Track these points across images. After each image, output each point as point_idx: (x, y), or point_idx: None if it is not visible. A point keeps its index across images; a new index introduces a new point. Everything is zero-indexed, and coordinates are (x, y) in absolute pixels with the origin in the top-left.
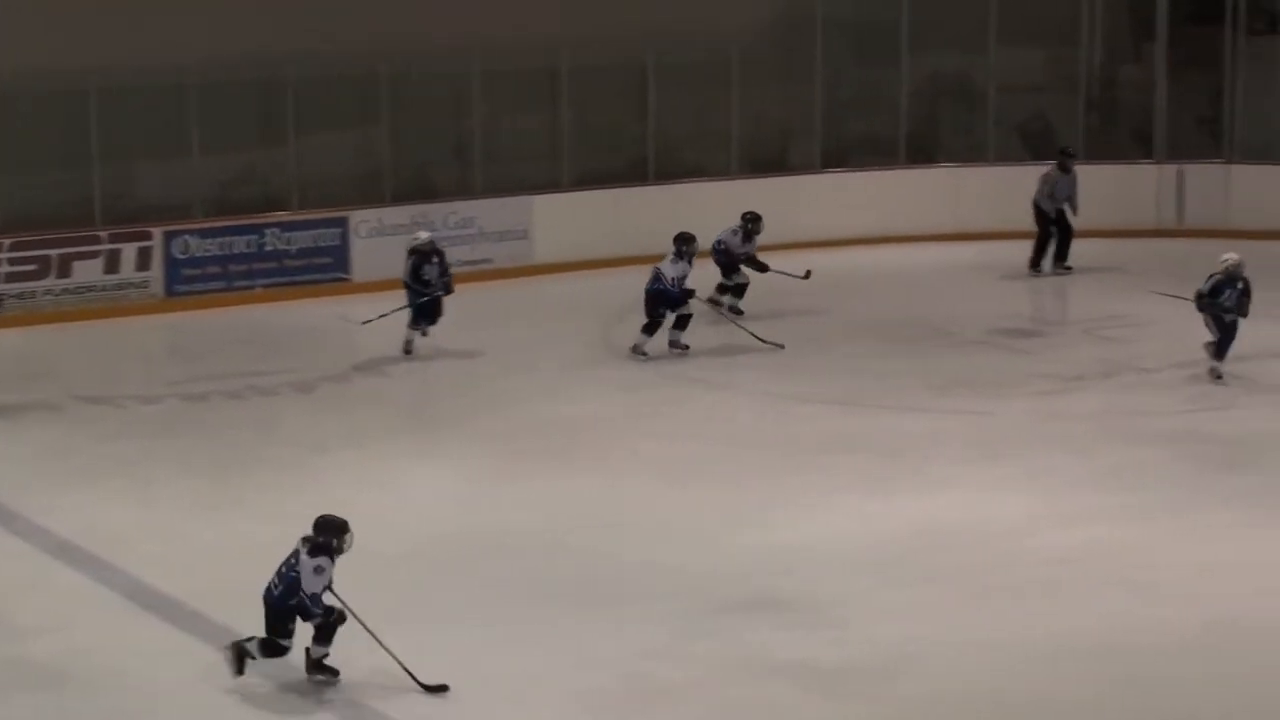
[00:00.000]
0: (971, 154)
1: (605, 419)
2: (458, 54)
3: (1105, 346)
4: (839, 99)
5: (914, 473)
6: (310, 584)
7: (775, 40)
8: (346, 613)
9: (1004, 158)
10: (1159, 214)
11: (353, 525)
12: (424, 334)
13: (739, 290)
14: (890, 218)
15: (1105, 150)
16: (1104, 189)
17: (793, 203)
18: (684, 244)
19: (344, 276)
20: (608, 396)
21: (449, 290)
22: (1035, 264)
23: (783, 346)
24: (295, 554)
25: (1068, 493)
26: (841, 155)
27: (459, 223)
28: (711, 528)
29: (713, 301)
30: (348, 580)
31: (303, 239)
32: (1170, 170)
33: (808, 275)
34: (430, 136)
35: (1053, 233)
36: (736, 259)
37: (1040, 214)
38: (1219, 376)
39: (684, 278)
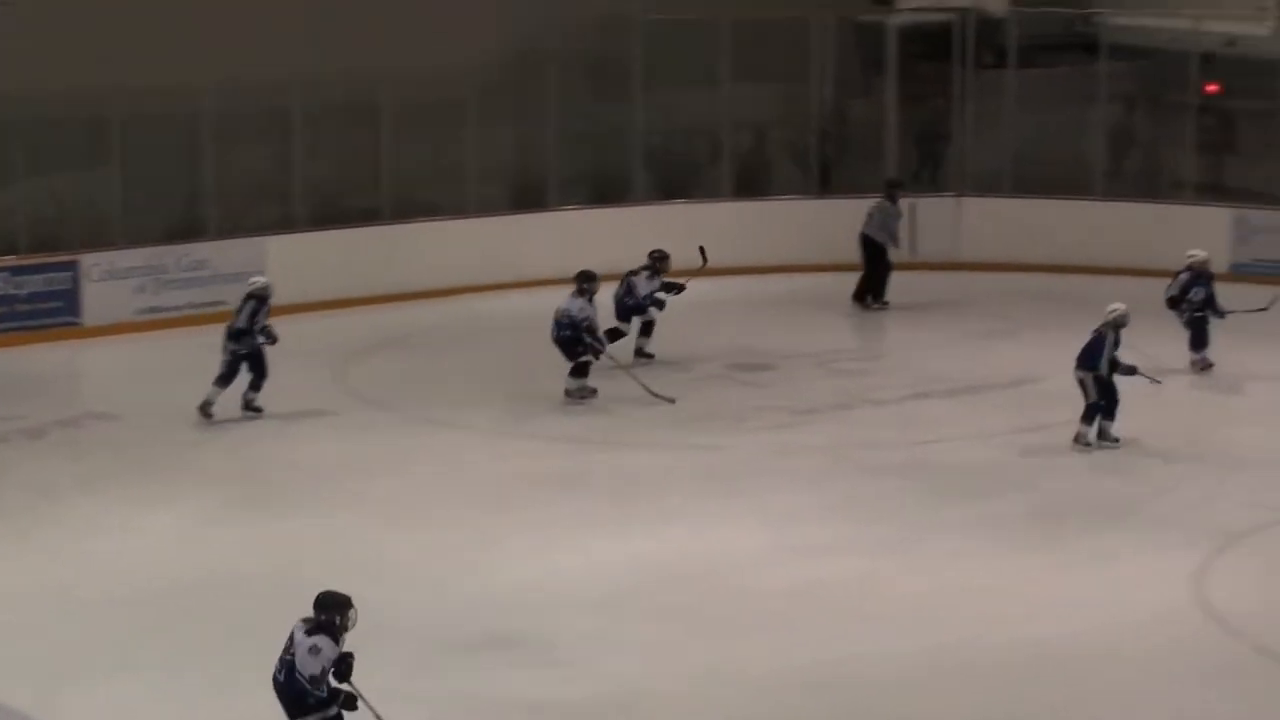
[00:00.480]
0: (707, 190)
1: (338, 461)
2: (189, 95)
3: (838, 379)
4: (574, 136)
5: (646, 509)
6: (307, 665)
7: (510, 78)
8: (357, 698)
9: (736, 193)
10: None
11: (82, 571)
12: (255, 406)
13: (647, 328)
14: (629, 254)
15: (838, 185)
16: (837, 223)
17: (532, 240)
18: (585, 281)
19: (75, 321)
20: (340, 438)
21: (273, 340)
22: (862, 297)
23: (673, 401)
24: (291, 635)
25: (799, 526)
26: (577, 192)
27: (191, 265)
28: (442, 568)
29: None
30: (78, 628)
31: (33, 283)
32: (902, 204)
33: (681, 290)
34: (162, 178)
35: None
36: (640, 302)
37: (869, 246)
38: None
39: (585, 316)
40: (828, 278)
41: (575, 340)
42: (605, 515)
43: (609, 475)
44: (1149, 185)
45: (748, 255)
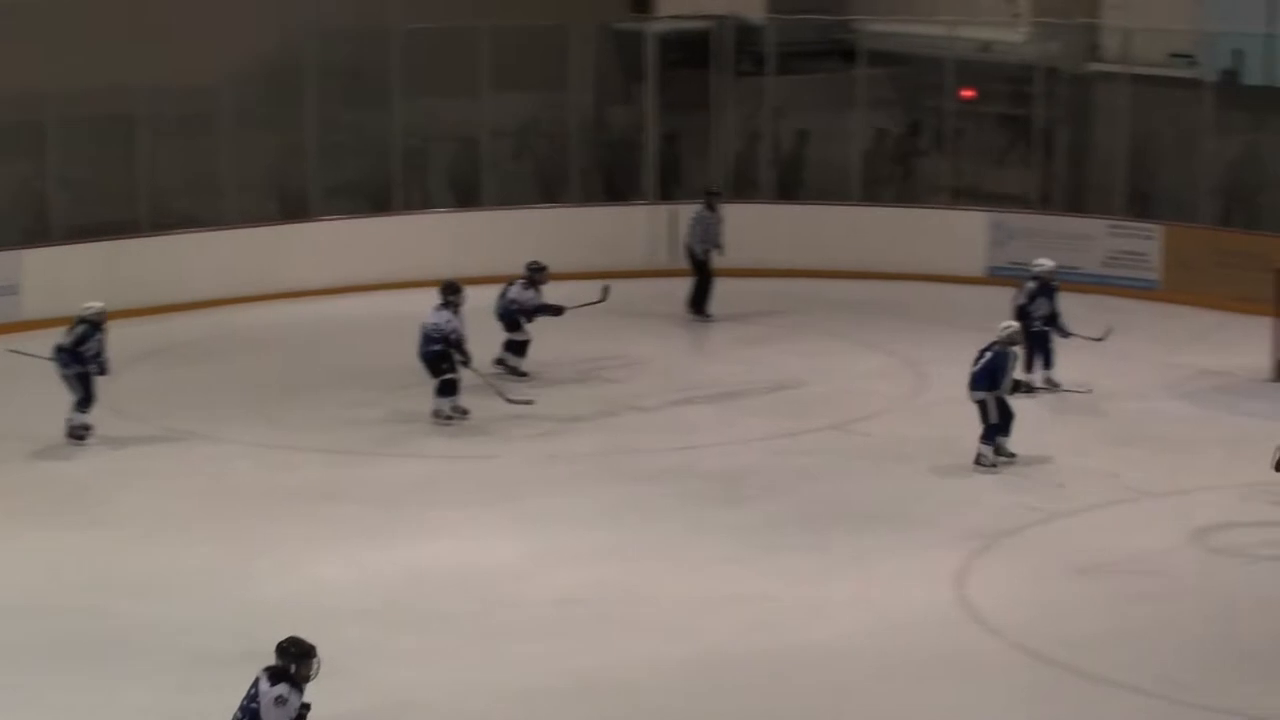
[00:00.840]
0: (464, 198)
1: (97, 473)
2: None
3: (602, 386)
4: (334, 146)
5: (411, 519)
6: (271, 716)
7: (264, 86)
8: None
9: (497, 201)
10: (651, 253)
11: None
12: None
13: (521, 348)
14: (383, 263)
15: (598, 192)
16: (598, 230)
17: (289, 250)
18: (450, 293)
19: None
20: (96, 451)
21: (104, 371)
22: (696, 307)
23: (531, 402)
24: (256, 682)
25: (566, 534)
26: (335, 202)
27: None
28: (205, 581)
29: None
30: None
31: None
32: (662, 210)
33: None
34: None
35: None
36: (527, 311)
37: (693, 257)
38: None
39: (453, 329)
40: (588, 285)
41: (442, 356)
42: (371, 526)
43: (374, 486)
44: (907, 190)
45: (509, 263)
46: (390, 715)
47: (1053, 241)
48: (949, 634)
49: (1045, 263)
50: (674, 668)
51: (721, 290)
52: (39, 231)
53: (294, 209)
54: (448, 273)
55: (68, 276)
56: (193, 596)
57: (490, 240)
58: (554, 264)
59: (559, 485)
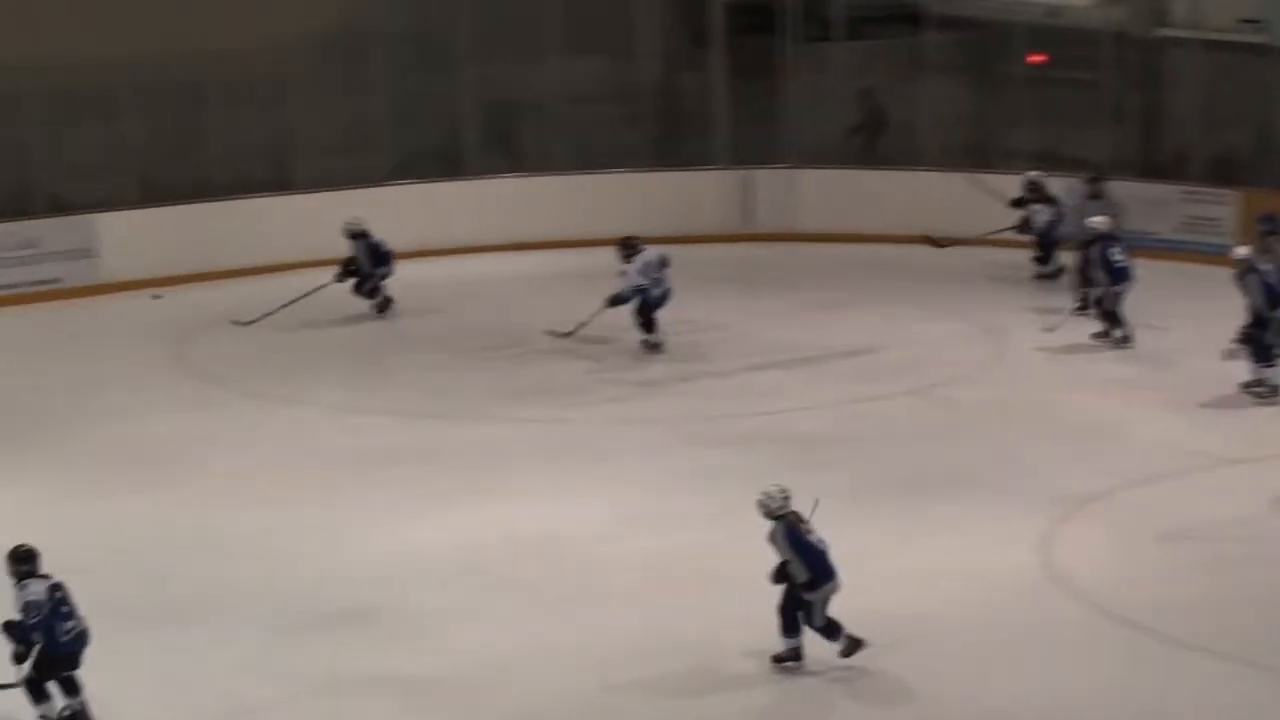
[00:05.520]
0: (536, 163)
1: (180, 437)
2: (13, 72)
3: (680, 351)
4: (400, 110)
5: (496, 483)
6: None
7: (335, 51)
8: None
9: (568, 167)
10: (725, 218)
11: None
12: None
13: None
14: (458, 228)
15: (669, 158)
16: (669, 196)
17: (366, 214)
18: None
19: None
20: (183, 415)
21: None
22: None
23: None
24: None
25: (651, 497)
26: (404, 168)
27: (20, 244)
28: (293, 543)
29: None
30: None
31: None
32: (735, 175)
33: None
34: None
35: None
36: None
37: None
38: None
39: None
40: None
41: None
42: (457, 490)
43: (456, 450)
44: (978, 155)
45: (580, 228)
46: (481, 678)
47: (1127, 207)
48: (1034, 599)
49: (1099, 220)
50: (758, 632)
51: (796, 256)
52: (115, 196)
53: (366, 174)
54: (516, 238)
55: (143, 240)
56: (283, 559)
57: (560, 206)
58: (626, 230)
59: (642, 450)
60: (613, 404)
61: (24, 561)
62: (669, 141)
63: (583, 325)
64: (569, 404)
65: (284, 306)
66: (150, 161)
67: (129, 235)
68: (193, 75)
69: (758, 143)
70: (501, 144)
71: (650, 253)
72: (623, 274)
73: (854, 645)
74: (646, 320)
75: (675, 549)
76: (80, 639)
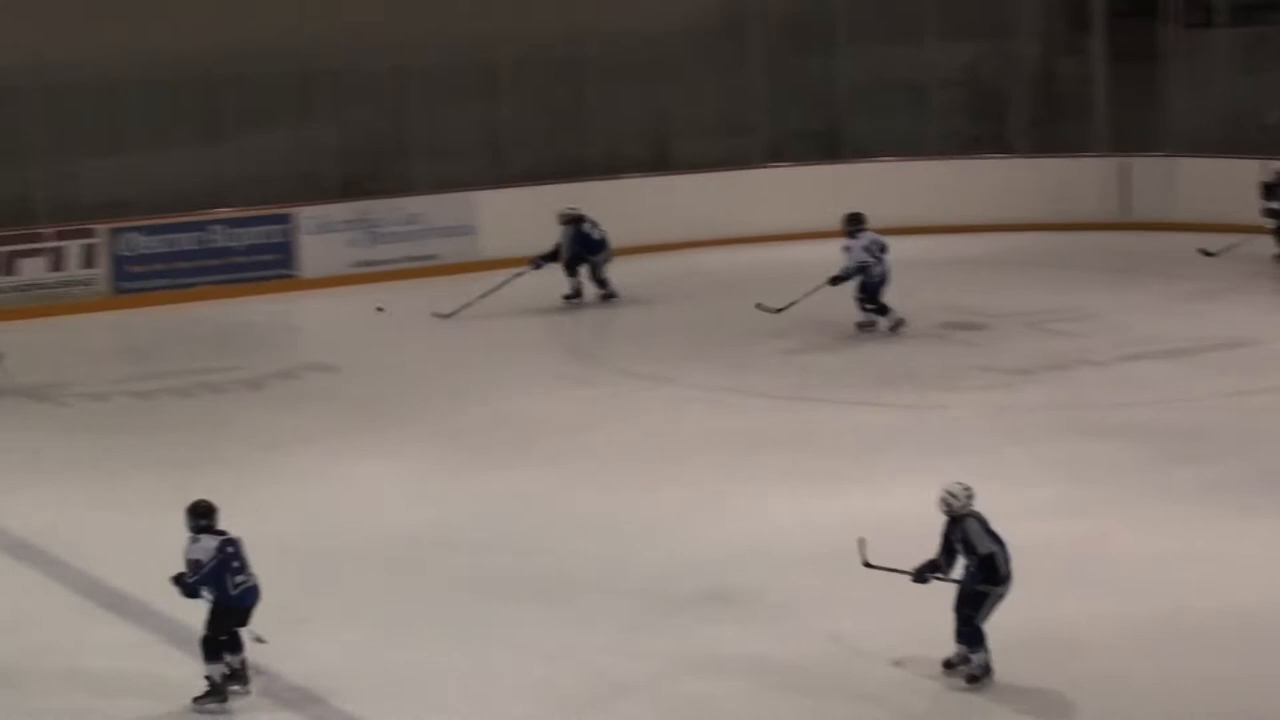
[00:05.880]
0: (911, 147)
1: (556, 415)
2: (399, 50)
3: (1052, 339)
4: (778, 92)
5: (863, 467)
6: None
7: (714, 34)
8: None
9: (944, 151)
10: (1102, 206)
11: (304, 523)
12: None
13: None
14: (831, 212)
15: (1046, 143)
16: (1045, 182)
17: (735, 198)
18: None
19: (290, 273)
20: (560, 392)
21: None
22: None
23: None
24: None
25: (1019, 487)
26: (781, 150)
27: (404, 219)
28: (662, 523)
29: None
30: (301, 578)
31: (249, 235)
32: (1111, 163)
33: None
34: (372, 133)
35: None
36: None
37: None
38: None
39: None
40: (1037, 237)
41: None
42: (822, 473)
43: (825, 433)
44: None
45: (956, 214)
46: (840, 664)
47: None
48: None
49: None
50: (1126, 626)
51: (1168, 244)
52: (495, 173)
53: (743, 155)
54: (891, 223)
55: (522, 218)
56: (646, 538)
57: (937, 189)
58: (1001, 215)
59: (1010, 438)
60: (984, 391)
61: (201, 516)
62: (1045, 127)
63: (794, 303)
64: (940, 389)
65: (482, 296)
66: (530, 139)
67: (507, 213)
68: (574, 54)
69: (1136, 130)
70: (874, 127)
71: (873, 235)
72: (847, 250)
73: (986, 672)
74: (868, 299)
75: (1043, 538)
76: (249, 594)
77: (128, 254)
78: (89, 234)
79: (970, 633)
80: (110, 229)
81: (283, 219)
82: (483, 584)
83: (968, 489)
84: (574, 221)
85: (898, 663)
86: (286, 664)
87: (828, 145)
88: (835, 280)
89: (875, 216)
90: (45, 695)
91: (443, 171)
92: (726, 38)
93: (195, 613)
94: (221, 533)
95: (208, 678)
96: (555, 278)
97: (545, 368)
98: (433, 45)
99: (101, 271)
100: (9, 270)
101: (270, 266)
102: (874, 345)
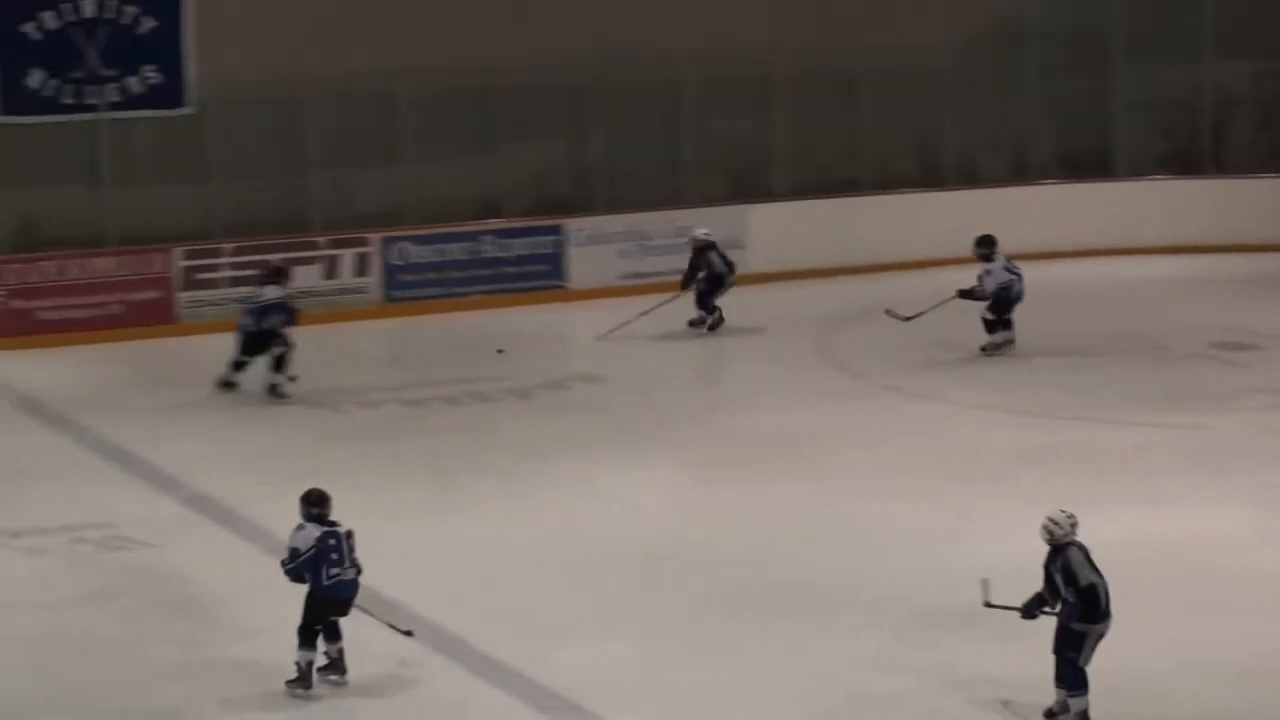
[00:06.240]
0: (1187, 167)
1: (815, 428)
2: (670, 62)
3: None
4: (1049, 111)
5: (1126, 485)
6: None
7: (987, 49)
8: None
9: (1221, 170)
10: None
11: (565, 532)
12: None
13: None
14: (1102, 230)
15: None
16: None
17: (1009, 212)
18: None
19: (560, 284)
20: (818, 406)
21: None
22: None
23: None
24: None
25: None
26: (1047, 167)
27: (674, 232)
28: (917, 538)
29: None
30: (560, 586)
31: (519, 246)
32: None
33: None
34: (644, 146)
35: None
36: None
37: None
38: None
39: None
40: None
41: None
42: (1086, 491)
43: (1090, 451)
44: None
45: (1223, 233)
46: (1104, 686)
47: None
48: None
49: None
50: None
51: None
52: (764, 188)
53: (1014, 172)
54: (1160, 241)
55: (791, 233)
56: (909, 553)
57: (1207, 208)
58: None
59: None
60: (1262, 412)
61: (313, 504)
62: None
63: (922, 313)
64: (1214, 410)
65: (640, 315)
66: (801, 154)
67: (776, 227)
68: (846, 69)
69: None
70: (1163, 144)
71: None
72: (988, 274)
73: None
74: (999, 320)
75: None
76: (342, 586)
77: (399, 263)
78: (362, 243)
79: (1073, 675)
80: (383, 238)
81: (553, 230)
82: (740, 597)
83: (1071, 517)
84: (707, 248)
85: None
86: (541, 671)
87: (1098, 162)
88: (968, 293)
89: (1145, 235)
90: (310, 698)
91: (713, 185)
92: (1000, 53)
93: (465, 622)
94: (332, 524)
95: (296, 663)
96: (816, 297)
97: (809, 381)
98: (706, 59)
99: (374, 280)
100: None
101: (540, 277)
102: (1137, 365)
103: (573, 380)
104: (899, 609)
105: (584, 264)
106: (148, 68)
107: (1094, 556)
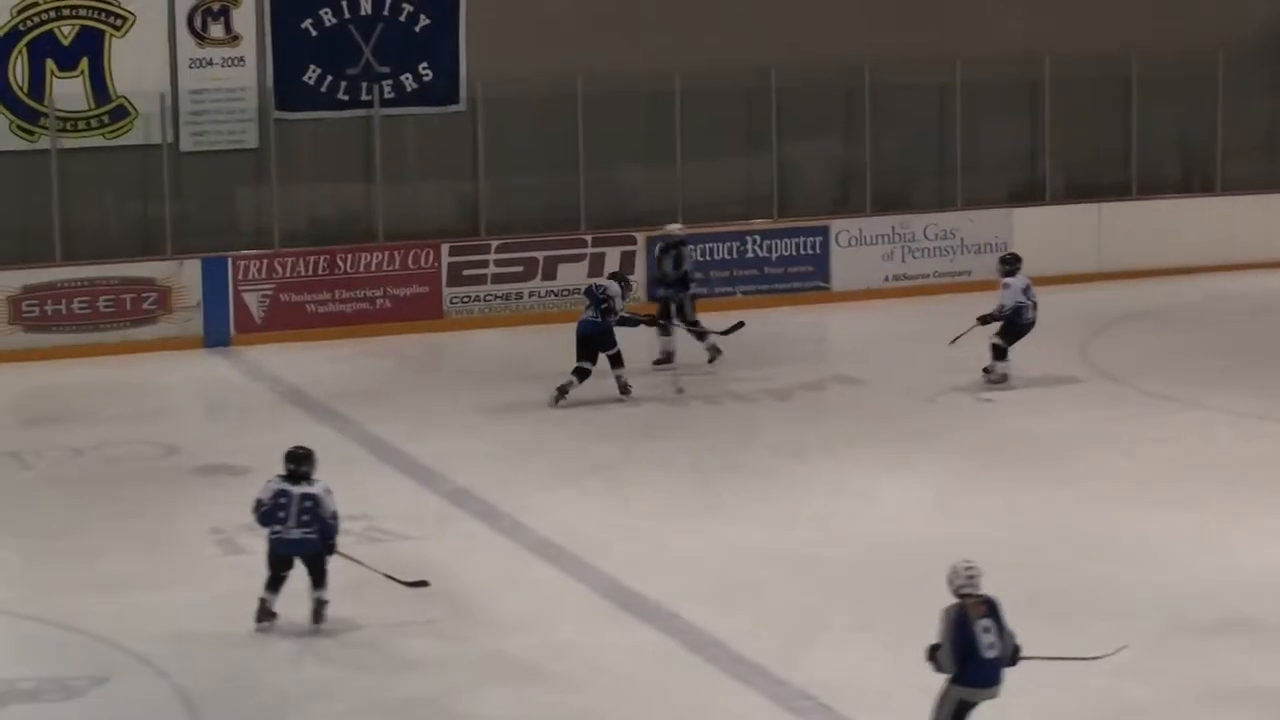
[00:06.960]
0: None
1: (1076, 434)
2: (939, 64)
3: None
4: None
5: None
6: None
7: (1260, 51)
8: None
9: None
10: None
11: (822, 533)
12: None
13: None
14: None
15: None
16: None
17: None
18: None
19: (824, 285)
20: (1080, 412)
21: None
22: None
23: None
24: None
25: None
26: None
27: (938, 234)
28: (1179, 546)
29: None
30: (815, 586)
31: (783, 246)
32: None
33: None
34: (911, 147)
35: None
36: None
37: None
38: None
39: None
40: None
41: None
42: None
43: None
44: None
45: None
46: None
47: None
48: None
49: None
50: None
51: None
52: (1030, 190)
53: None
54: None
55: (1058, 236)
56: (1169, 561)
57: None
58: None
59: None
60: None
61: (288, 460)
62: None
63: (960, 336)
64: None
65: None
66: (1069, 157)
67: (1041, 231)
68: (1115, 72)
69: None
70: None
71: (1027, 278)
72: (1006, 287)
73: None
74: (1007, 344)
75: None
76: (281, 544)
77: None
78: (628, 240)
79: None
80: (648, 236)
81: (818, 231)
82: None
83: (970, 569)
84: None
85: None
86: (793, 672)
87: None
88: (986, 320)
89: None
90: (561, 692)
91: (979, 188)
92: (1273, 55)
93: (717, 620)
94: (305, 482)
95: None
96: (1079, 301)
97: (1069, 387)
98: (974, 59)
99: (638, 278)
100: (549, 274)
101: (804, 278)
102: None
103: (832, 381)
104: (1155, 617)
105: (846, 265)
106: (422, 65)
107: None
